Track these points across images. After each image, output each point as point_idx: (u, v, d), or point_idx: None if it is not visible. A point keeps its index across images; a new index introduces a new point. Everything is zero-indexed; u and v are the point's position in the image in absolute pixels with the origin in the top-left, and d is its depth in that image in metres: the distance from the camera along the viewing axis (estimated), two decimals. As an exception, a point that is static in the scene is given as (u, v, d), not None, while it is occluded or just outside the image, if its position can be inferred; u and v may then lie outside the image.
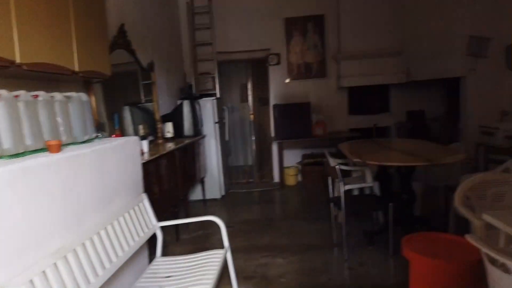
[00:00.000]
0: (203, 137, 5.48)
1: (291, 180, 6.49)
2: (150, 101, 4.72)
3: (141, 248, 2.71)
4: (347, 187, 3.96)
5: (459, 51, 5.66)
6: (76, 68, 2.46)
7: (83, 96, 2.38)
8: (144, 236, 2.48)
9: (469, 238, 1.60)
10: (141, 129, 4.21)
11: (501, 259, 1.41)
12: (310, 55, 6.63)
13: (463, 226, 3.50)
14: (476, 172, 4.06)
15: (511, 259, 1.37)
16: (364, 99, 6.78)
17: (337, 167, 3.38)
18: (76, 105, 2.25)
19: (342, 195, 3.35)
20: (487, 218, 1.93)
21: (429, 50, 5.99)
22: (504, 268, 1.48)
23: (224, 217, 4.94)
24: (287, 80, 6.67)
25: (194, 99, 5.36)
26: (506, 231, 1.76)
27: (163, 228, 2.74)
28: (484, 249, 1.50)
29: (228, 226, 4.63)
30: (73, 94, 2.28)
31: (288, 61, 6.65)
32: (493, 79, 5.62)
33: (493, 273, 1.56)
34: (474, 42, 5.57)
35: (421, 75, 6.12)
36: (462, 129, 5.84)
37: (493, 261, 1.56)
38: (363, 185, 4.13)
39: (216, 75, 6.23)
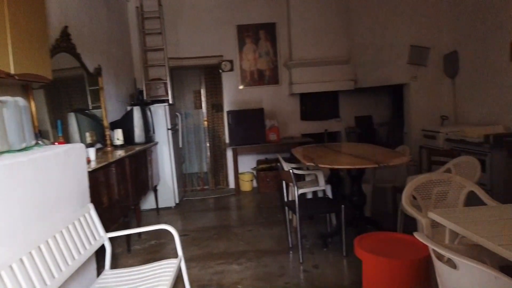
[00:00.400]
0: (155, 144, 5.32)
1: (246, 186, 6.48)
2: (98, 107, 4.51)
3: (88, 261, 2.55)
4: (301, 191, 4.01)
5: (401, 59, 5.98)
6: (12, 71, 2.29)
7: (20, 101, 2.20)
8: (91, 248, 2.33)
9: (417, 236, 1.66)
10: (88, 137, 4.00)
11: (447, 255, 1.47)
12: (262, 62, 6.70)
13: (411, 225, 3.67)
14: (421, 173, 4.28)
15: (457, 254, 1.43)
16: (315, 105, 6.94)
17: (291, 171, 3.41)
18: (11, 110, 2.08)
19: (296, 199, 3.38)
20: (433, 216, 2.02)
21: (374, 59, 6.27)
22: (450, 263, 1.54)
23: (178, 226, 4.81)
24: (241, 87, 6.69)
25: (145, 105, 5.20)
26: (450, 228, 1.85)
27: (113, 239, 2.60)
28: (432, 246, 1.56)
29: (182, 235, 4.55)
30: (8, 98, 2.10)
31: (241, 67, 6.67)
32: (433, 86, 5.99)
33: (440, 268, 1.63)
34: (415, 52, 5.92)
35: (367, 82, 6.38)
36: (407, 133, 6.16)
37: (440, 257, 1.63)
38: (316, 188, 4.20)
39: (168, 81, 6.10)
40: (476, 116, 5.21)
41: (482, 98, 5.07)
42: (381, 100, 7.26)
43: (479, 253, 1.87)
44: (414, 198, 2.74)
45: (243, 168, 6.63)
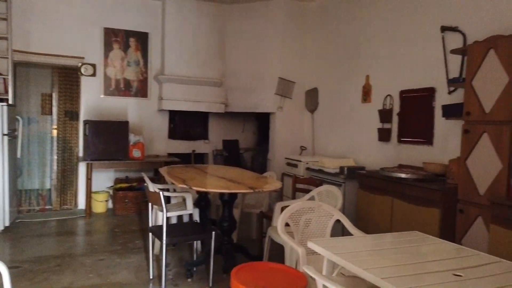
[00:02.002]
0: (-16, 152, 4.25)
1: (100, 207, 5.73)
2: None
3: None
4: (168, 214, 3.68)
5: (270, 90, 6.29)
6: None
7: None
8: None
9: (307, 269, 1.58)
10: None
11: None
12: (131, 71, 6.18)
13: (276, 252, 3.71)
14: (282, 200, 4.42)
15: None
16: (184, 124, 6.71)
17: (160, 193, 3.08)
18: None
19: (164, 223, 3.05)
20: (313, 246, 2.00)
21: (246, 85, 6.44)
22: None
23: (6, 255, 3.87)
24: (103, 95, 6.00)
25: (-27, 102, 4.13)
26: (332, 260, 1.84)
27: None
28: (323, 281, 1.49)
29: (11, 267, 3.64)
30: None
31: (105, 74, 6.01)
32: (295, 118, 6.44)
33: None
34: (282, 84, 6.30)
35: (238, 107, 6.50)
36: (271, 160, 6.43)
37: (326, 290, 1.58)
38: (183, 212, 3.93)
39: (10, 77, 5.05)
40: (331, 149, 5.76)
41: (336, 133, 5.65)
42: (248, 126, 7.48)
43: (357, 284, 1.90)
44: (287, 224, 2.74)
45: (97, 186, 5.87)
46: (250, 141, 7.50)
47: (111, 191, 5.92)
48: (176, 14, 6.15)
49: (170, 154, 6.34)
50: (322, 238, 2.66)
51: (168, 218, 3.78)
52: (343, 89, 5.53)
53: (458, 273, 1.63)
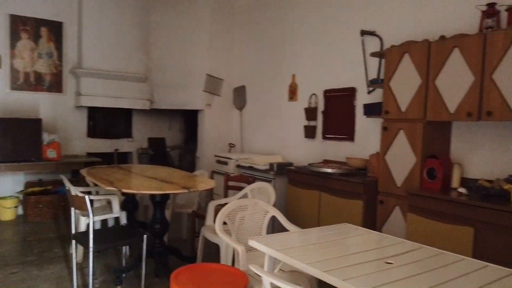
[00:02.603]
0: None
1: (7, 214, 5.13)
2: None
3: None
4: (95, 218, 3.43)
5: (198, 86, 6.19)
6: None
7: None
8: None
9: (253, 268, 1.59)
10: None
11: (285, 285, 1.44)
12: (42, 64, 5.62)
13: (211, 252, 3.68)
14: (216, 198, 4.40)
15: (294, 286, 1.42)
16: (105, 122, 6.31)
17: (86, 197, 2.85)
18: None
19: (91, 229, 2.83)
20: (255, 244, 2.01)
21: (172, 82, 6.26)
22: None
23: None
24: (9, 90, 5.38)
25: None
26: (274, 256, 1.87)
27: None
28: (268, 278, 1.51)
29: None
30: None
31: (12, 66, 5.39)
32: (224, 115, 6.43)
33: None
34: (210, 81, 6.24)
35: (164, 104, 6.29)
36: (199, 158, 6.34)
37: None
38: (109, 215, 3.70)
39: None
40: (259, 146, 5.87)
41: (265, 130, 5.76)
42: (175, 123, 7.28)
43: (296, 278, 1.96)
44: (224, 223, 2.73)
45: (4, 191, 5.26)
46: (177, 139, 7.32)
47: (21, 196, 5.34)
48: (94, 3, 5.73)
49: (90, 154, 5.91)
50: (262, 236, 2.69)
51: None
52: (270, 87, 5.65)
53: (389, 261, 1.77)
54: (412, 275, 1.61)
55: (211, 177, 5.58)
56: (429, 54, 3.16)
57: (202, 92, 6.21)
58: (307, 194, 4.12)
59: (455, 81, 2.98)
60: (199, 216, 3.97)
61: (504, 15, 2.95)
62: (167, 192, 3.05)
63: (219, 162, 5.55)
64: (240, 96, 6.30)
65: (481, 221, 2.66)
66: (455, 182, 3.17)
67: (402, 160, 3.36)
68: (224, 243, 3.08)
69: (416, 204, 3.08)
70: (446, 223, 2.85)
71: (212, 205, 3.59)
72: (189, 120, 7.08)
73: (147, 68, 6.23)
